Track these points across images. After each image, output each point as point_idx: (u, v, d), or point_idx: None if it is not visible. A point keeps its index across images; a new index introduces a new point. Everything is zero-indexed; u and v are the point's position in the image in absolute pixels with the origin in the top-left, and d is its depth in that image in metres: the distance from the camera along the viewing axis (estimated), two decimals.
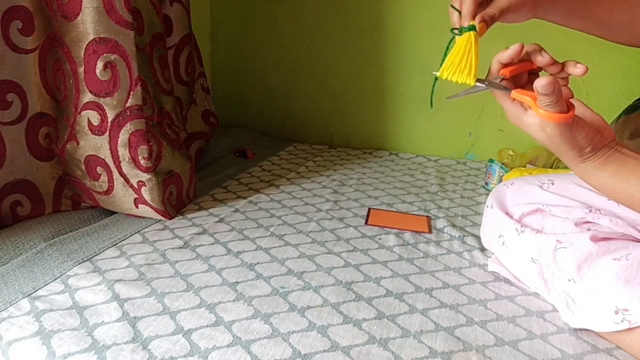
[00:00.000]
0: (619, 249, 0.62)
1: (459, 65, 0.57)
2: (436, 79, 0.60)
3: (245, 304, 0.67)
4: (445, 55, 0.59)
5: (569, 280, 0.64)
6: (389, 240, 0.90)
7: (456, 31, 0.59)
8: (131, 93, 0.89)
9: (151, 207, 0.93)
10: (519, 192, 0.82)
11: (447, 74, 0.57)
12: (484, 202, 0.90)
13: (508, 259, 0.78)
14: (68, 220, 0.94)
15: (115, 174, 0.92)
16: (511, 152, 1.29)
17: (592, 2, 0.67)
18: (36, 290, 0.68)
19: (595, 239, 0.64)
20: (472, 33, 0.57)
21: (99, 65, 0.87)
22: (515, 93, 0.55)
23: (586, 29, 0.69)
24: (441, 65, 0.58)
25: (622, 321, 0.58)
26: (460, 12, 0.59)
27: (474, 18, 0.57)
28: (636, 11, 0.68)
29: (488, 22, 0.57)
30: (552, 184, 0.78)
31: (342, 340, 0.61)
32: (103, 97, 0.89)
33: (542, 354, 0.60)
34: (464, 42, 0.57)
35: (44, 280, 0.71)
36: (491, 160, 1.21)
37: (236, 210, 1.01)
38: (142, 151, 0.91)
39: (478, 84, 0.58)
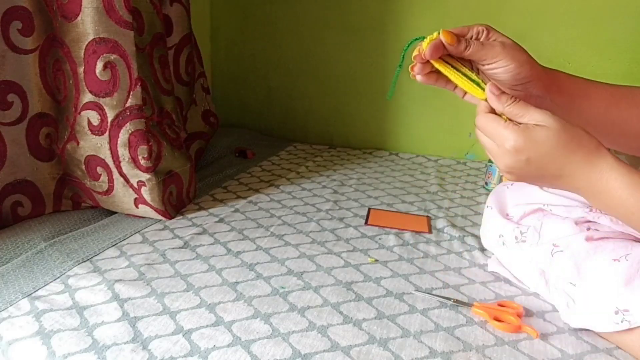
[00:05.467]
0: (616, 248, 0.62)
1: None
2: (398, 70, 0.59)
3: (245, 304, 0.67)
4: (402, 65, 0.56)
5: (570, 283, 0.64)
6: (389, 240, 0.90)
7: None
8: (131, 93, 0.89)
9: (151, 207, 0.93)
10: (519, 192, 0.82)
11: None
12: (484, 202, 0.91)
13: (508, 259, 0.78)
14: (68, 220, 0.94)
15: (115, 174, 0.92)
16: None
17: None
18: (36, 290, 0.68)
19: (590, 239, 0.64)
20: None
21: (99, 65, 0.87)
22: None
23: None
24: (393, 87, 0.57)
25: (622, 321, 0.58)
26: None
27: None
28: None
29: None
30: None
31: (342, 340, 0.61)
32: (103, 97, 0.89)
33: (542, 354, 0.60)
34: None
35: (44, 280, 0.71)
36: (491, 161, 1.21)
37: (236, 210, 1.01)
38: (142, 151, 0.91)
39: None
